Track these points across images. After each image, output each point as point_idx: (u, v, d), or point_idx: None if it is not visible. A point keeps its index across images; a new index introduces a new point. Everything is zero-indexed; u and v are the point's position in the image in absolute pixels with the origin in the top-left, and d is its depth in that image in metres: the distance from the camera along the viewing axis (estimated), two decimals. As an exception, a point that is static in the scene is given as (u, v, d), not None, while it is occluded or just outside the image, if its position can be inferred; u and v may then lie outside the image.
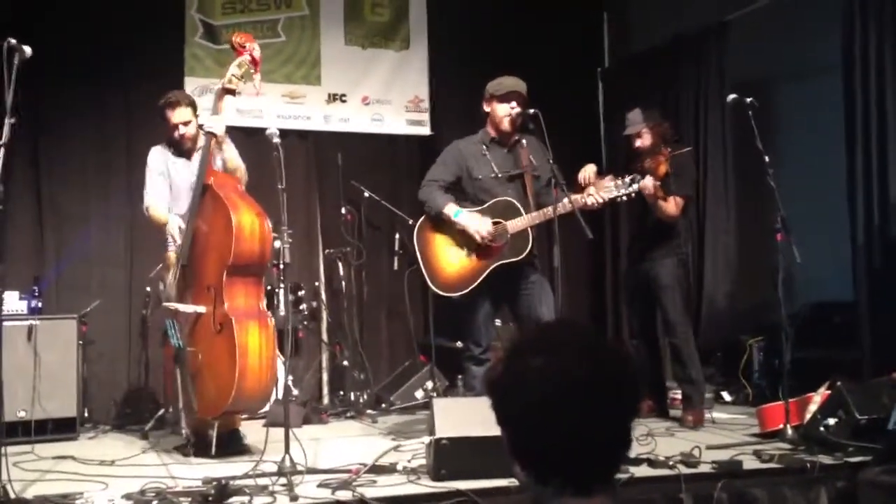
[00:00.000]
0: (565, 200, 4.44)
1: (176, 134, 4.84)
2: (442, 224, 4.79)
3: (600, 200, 4.58)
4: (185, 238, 4.63)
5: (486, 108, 4.87)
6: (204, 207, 4.62)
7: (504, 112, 4.77)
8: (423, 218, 4.91)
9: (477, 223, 4.67)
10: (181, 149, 4.88)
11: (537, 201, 4.71)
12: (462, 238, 4.74)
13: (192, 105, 4.91)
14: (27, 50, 3.73)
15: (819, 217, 5.68)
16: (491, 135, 4.87)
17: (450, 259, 4.77)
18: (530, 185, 4.76)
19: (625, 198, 4.63)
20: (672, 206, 5.30)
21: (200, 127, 4.83)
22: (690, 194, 5.54)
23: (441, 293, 4.80)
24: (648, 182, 5.01)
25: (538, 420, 1.45)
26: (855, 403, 4.20)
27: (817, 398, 4.51)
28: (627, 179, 4.59)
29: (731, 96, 5.02)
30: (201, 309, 4.49)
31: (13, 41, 3.73)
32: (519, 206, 4.67)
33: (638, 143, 5.42)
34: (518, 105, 4.74)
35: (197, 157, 4.78)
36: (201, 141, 4.82)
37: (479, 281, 4.68)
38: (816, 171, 5.90)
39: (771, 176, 4.76)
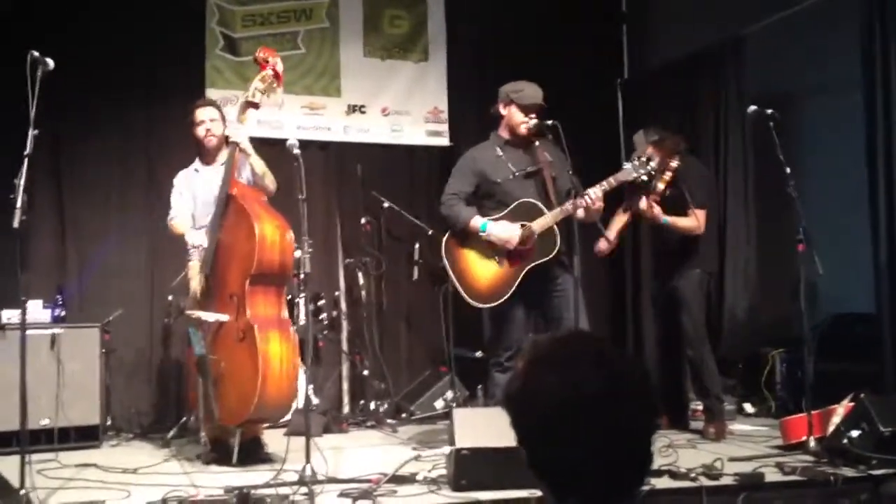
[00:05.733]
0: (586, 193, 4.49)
1: (202, 130, 4.88)
2: (468, 237, 4.78)
3: (600, 192, 4.58)
4: (208, 247, 4.68)
5: (503, 111, 4.86)
6: (227, 218, 4.66)
7: (521, 120, 4.78)
8: (448, 234, 4.89)
9: (506, 233, 4.67)
10: (206, 151, 4.91)
11: (558, 196, 4.70)
12: (490, 247, 4.73)
13: (218, 108, 5.02)
14: (50, 62, 3.77)
15: (841, 228, 5.64)
16: (504, 137, 4.87)
17: (482, 270, 4.76)
18: (550, 181, 4.74)
19: (644, 176, 4.65)
20: (691, 221, 5.28)
21: (226, 138, 4.86)
22: (707, 202, 5.45)
23: (478, 305, 4.78)
24: (642, 203, 5.04)
25: (554, 437, 1.45)
26: (879, 416, 4.17)
27: (841, 410, 4.47)
28: (635, 162, 4.63)
29: (752, 108, 4.97)
30: (224, 317, 4.53)
31: (36, 53, 3.77)
32: (541, 205, 4.67)
33: None
34: (537, 117, 4.75)
35: (217, 172, 4.83)
36: (224, 154, 4.86)
37: (514, 287, 4.65)
38: (838, 182, 5.87)
39: (792, 187, 4.73)
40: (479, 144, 4.99)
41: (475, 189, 4.86)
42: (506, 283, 4.67)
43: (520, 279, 4.64)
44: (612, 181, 4.63)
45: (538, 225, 4.63)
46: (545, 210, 4.64)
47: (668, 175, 5.17)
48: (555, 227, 4.62)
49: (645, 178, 4.65)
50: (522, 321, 4.74)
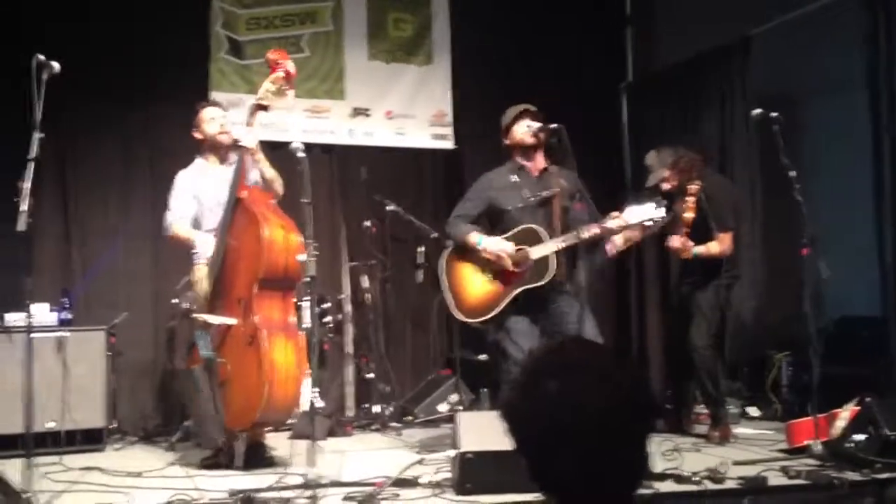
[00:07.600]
0: (591, 228, 4.47)
1: (216, 126, 4.83)
2: (466, 253, 4.84)
3: (623, 224, 4.53)
4: (216, 251, 4.66)
5: (507, 142, 4.90)
6: (236, 221, 4.64)
7: (522, 130, 4.79)
8: (449, 250, 4.96)
9: (499, 246, 4.70)
10: (218, 149, 4.87)
11: (565, 227, 4.70)
12: (485, 264, 4.77)
13: (224, 111, 4.99)
14: (55, 66, 3.77)
15: (846, 232, 5.63)
16: (519, 163, 4.88)
17: (473, 286, 4.81)
18: (558, 211, 4.75)
19: (650, 223, 4.59)
20: (715, 247, 5.20)
21: (235, 141, 4.84)
22: (732, 225, 5.33)
23: (464, 320, 4.87)
24: (675, 242, 5.02)
25: (551, 446, 1.45)
26: (884, 419, 4.17)
27: (845, 414, 4.46)
28: (652, 204, 4.56)
29: (757, 111, 4.94)
30: (231, 320, 4.52)
31: (42, 57, 3.77)
32: (542, 232, 4.67)
33: (666, 186, 5.27)
34: (532, 120, 4.75)
35: (229, 171, 4.78)
36: (234, 156, 4.84)
37: (501, 307, 4.69)
38: (843, 185, 5.86)
39: (797, 190, 4.71)
40: (497, 168, 5.00)
41: (483, 212, 4.91)
42: (493, 302, 4.72)
43: (508, 300, 4.68)
44: (615, 221, 4.58)
45: (535, 252, 4.64)
46: (546, 238, 4.65)
47: (690, 201, 5.01)
48: (551, 255, 4.62)
49: (650, 223, 4.55)
50: (527, 334, 4.71)
